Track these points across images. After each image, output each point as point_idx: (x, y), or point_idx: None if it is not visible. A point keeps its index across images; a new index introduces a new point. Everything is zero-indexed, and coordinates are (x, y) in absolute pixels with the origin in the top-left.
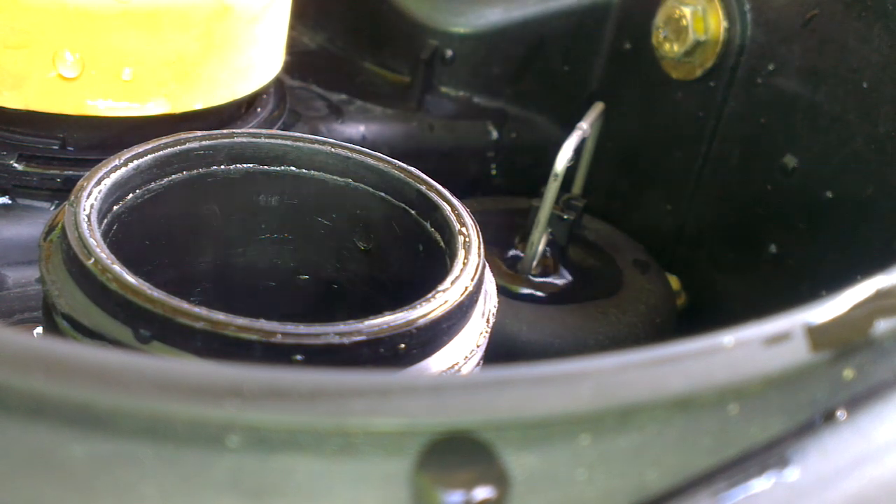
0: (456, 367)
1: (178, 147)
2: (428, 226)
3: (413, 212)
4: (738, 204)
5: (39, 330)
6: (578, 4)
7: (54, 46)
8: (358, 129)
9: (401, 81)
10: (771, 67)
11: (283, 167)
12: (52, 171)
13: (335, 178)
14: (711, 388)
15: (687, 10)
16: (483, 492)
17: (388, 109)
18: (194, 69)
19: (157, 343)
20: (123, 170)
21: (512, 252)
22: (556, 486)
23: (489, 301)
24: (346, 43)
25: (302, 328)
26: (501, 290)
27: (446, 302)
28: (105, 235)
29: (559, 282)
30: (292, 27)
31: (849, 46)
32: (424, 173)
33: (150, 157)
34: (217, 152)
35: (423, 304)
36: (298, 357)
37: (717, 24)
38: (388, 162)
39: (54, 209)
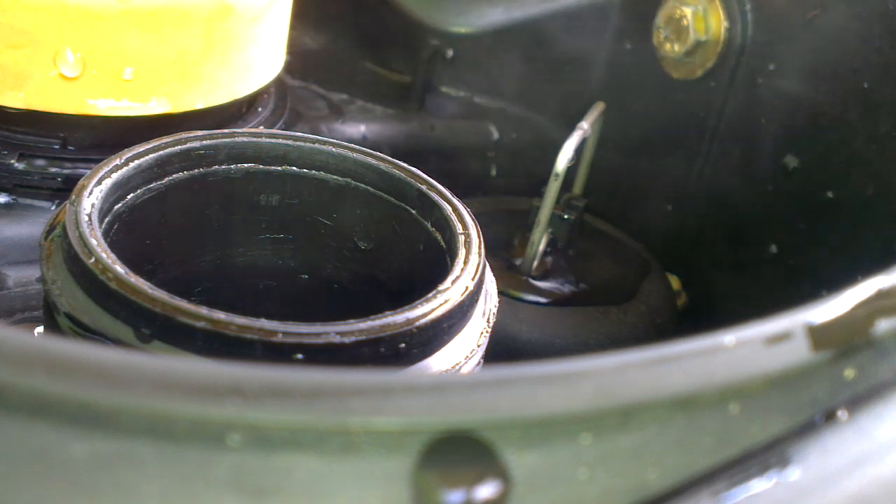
0: (457, 367)
1: (179, 146)
2: (428, 225)
3: (414, 211)
4: (739, 204)
5: (40, 329)
6: (579, 4)
7: (55, 46)
8: (359, 128)
9: (402, 81)
10: (772, 67)
11: (283, 167)
12: (52, 171)
13: (336, 177)
14: (712, 387)
15: (688, 10)
16: (484, 491)
17: (389, 109)
18: (195, 69)
19: (158, 342)
20: (124, 169)
21: (512, 252)
22: (557, 485)
23: (490, 300)
24: (347, 43)
25: (303, 327)
26: (501, 291)
27: (447, 301)
28: (106, 235)
29: (560, 282)
30: (293, 27)
31: (849, 46)
32: (425, 173)
33: (150, 156)
34: (218, 152)
35: (424, 303)
36: (299, 356)
37: (717, 24)
38: (389, 162)
39: (55, 208)
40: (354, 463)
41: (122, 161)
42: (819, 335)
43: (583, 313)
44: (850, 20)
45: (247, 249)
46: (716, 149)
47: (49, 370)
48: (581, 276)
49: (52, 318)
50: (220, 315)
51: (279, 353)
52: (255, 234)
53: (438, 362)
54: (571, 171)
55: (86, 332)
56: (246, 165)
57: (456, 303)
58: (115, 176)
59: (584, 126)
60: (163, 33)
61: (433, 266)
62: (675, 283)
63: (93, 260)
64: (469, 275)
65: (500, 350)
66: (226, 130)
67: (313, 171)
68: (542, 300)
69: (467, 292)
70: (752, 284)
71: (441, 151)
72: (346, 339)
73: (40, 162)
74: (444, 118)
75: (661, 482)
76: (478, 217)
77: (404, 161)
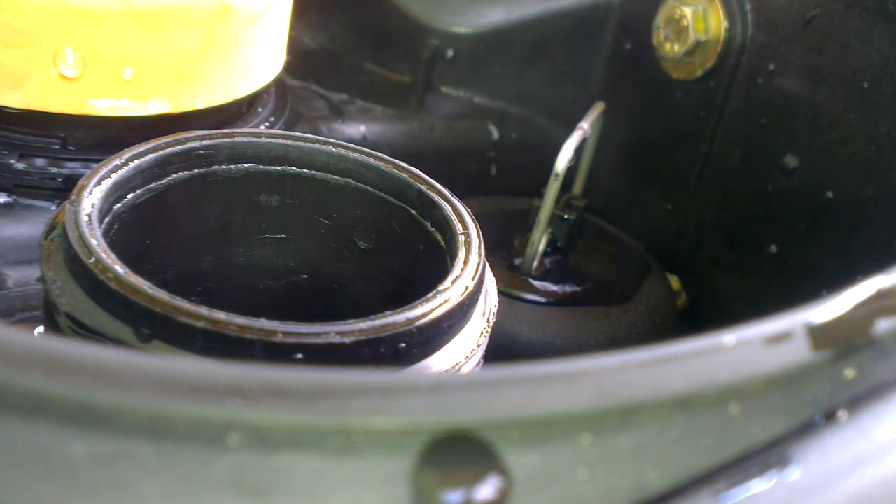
0: (456, 367)
1: (179, 146)
2: (428, 225)
3: (414, 211)
4: (739, 204)
5: (40, 329)
6: (579, 4)
7: (55, 46)
8: (359, 128)
9: (402, 81)
10: (771, 67)
11: (283, 167)
12: (53, 171)
13: (336, 177)
14: (712, 387)
15: (688, 11)
16: (484, 491)
17: (389, 109)
18: (195, 69)
19: (158, 342)
20: (124, 169)
21: (512, 252)
22: (557, 485)
23: (490, 300)
24: (347, 43)
25: (302, 327)
26: (501, 291)
27: (447, 301)
28: (106, 234)
29: (560, 282)
30: (293, 27)
31: (849, 46)
32: (425, 173)
33: (150, 156)
34: (218, 152)
35: (424, 303)
36: (299, 356)
37: (717, 24)
38: (389, 162)
39: (55, 208)
40: (354, 463)
41: (122, 161)
42: (819, 335)
43: (583, 313)
44: (850, 20)
45: (247, 249)
46: (716, 149)
47: (49, 370)
48: (581, 276)
49: (51, 317)
50: (220, 315)
51: (279, 353)
52: (255, 234)
53: (438, 362)
54: (571, 171)
55: (86, 331)
56: (246, 165)
57: (456, 303)
58: (115, 176)
59: (584, 126)
60: (163, 33)
61: (433, 266)
62: (675, 283)
63: (93, 260)
64: (469, 275)
65: (500, 350)
66: (226, 130)
67: (313, 171)
68: (542, 300)
69: (467, 292)
70: (753, 284)
71: (441, 151)
72: (346, 339)
73: (40, 162)
74: (444, 118)
75: (661, 482)
76: (478, 217)
77: (404, 161)
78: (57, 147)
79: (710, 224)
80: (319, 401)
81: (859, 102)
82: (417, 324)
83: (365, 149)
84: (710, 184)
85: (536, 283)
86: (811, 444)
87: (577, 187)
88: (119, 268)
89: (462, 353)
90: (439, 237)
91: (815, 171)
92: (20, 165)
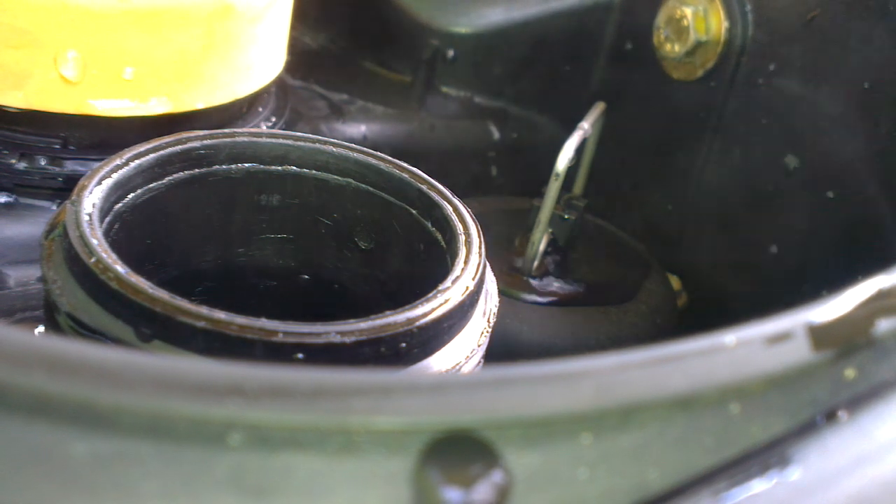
0: (457, 367)
1: (180, 146)
2: (429, 225)
3: (414, 211)
4: (739, 204)
5: (41, 328)
6: (580, 5)
7: (56, 46)
8: (359, 128)
9: (402, 81)
10: (772, 68)
11: (284, 167)
12: (53, 170)
13: (336, 177)
14: (713, 387)
15: (688, 11)
16: (485, 490)
17: (390, 109)
18: (195, 69)
19: (159, 342)
20: (125, 169)
21: (512, 252)
22: (557, 485)
23: (490, 300)
24: (347, 43)
25: (303, 327)
26: (502, 291)
27: (447, 301)
28: (106, 234)
29: (560, 282)
30: (294, 27)
31: (850, 47)
32: (425, 173)
33: (151, 156)
34: (218, 152)
35: (424, 303)
36: (300, 356)
37: (718, 24)
38: (390, 161)
39: (56, 208)
40: (355, 462)
41: (123, 161)
42: (819, 335)
43: (583, 313)
44: (850, 20)
45: (247, 249)
46: (716, 149)
47: (50, 369)
48: (581, 276)
49: (52, 317)
50: (221, 315)
51: (280, 352)
52: (256, 234)
53: (439, 362)
54: (572, 171)
55: (86, 331)
56: (246, 165)
57: (456, 302)
58: (115, 175)
59: (585, 126)
60: (163, 33)
61: (433, 266)
62: (675, 283)
63: (93, 259)
64: (469, 274)
65: (500, 350)
66: (226, 130)
67: (314, 171)
68: (542, 300)
69: (468, 292)
70: (753, 284)
71: (441, 151)
72: (347, 339)
73: (41, 161)
74: (444, 118)
75: (662, 482)
76: (478, 217)
77: (404, 161)
78: (58, 147)
79: (710, 224)
80: (320, 400)
81: (860, 103)
82: (418, 323)
83: (365, 149)
84: (710, 184)
85: (537, 283)
86: (811, 444)
87: (578, 187)
88: (120, 267)
89: (462, 352)
90: (440, 237)
91: (815, 171)
92: (21, 165)
